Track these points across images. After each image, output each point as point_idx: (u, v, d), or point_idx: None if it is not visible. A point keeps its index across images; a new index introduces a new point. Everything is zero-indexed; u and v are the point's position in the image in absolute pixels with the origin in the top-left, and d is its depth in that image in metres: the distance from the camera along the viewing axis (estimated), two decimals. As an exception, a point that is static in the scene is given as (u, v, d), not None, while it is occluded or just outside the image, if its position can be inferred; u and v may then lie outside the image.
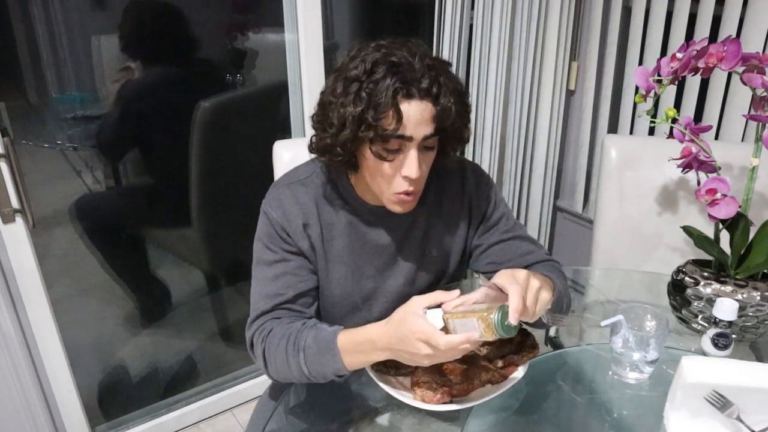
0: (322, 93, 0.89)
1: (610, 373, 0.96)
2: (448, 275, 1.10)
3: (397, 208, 0.92)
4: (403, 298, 1.05)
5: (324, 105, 0.87)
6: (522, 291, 0.74)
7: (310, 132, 0.94)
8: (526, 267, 1.03)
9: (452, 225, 1.05)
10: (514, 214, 2.14)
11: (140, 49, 1.54)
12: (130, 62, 1.54)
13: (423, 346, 0.75)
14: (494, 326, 0.72)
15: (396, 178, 0.87)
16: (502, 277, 0.77)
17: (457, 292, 0.79)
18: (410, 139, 0.83)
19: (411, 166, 0.85)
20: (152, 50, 1.56)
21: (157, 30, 1.56)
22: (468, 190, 1.05)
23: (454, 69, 1.76)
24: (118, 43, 1.49)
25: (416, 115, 0.82)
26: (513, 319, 0.72)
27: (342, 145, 0.85)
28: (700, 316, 1.04)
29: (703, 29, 1.65)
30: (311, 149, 0.93)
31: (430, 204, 1.03)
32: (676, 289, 1.08)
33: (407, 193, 0.89)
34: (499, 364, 0.88)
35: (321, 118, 0.88)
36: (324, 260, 0.99)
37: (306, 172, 1.00)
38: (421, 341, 0.74)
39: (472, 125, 1.89)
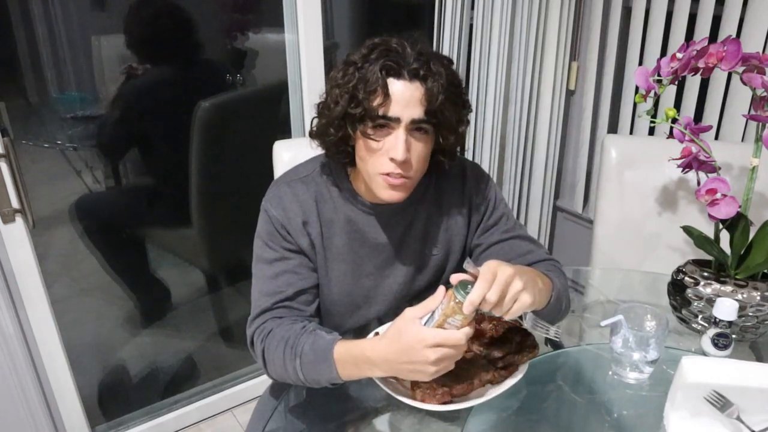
0: (326, 82, 0.93)
1: (610, 373, 0.96)
2: (448, 274, 1.10)
3: (387, 193, 0.91)
4: (402, 297, 1.05)
5: (326, 93, 0.92)
6: (488, 287, 0.73)
7: (315, 110, 0.96)
8: (526, 266, 1.03)
9: (452, 224, 1.05)
10: (514, 214, 2.14)
11: (143, 48, 1.54)
12: (134, 63, 1.54)
13: (431, 351, 0.74)
14: (454, 293, 0.74)
15: (383, 159, 0.88)
16: (484, 267, 0.75)
17: (441, 289, 0.78)
18: (398, 120, 0.85)
19: (397, 147, 0.85)
20: (155, 49, 1.56)
21: (161, 29, 1.56)
22: (468, 189, 1.05)
23: (453, 68, 1.77)
24: (124, 40, 1.49)
25: (404, 95, 0.84)
26: (466, 309, 0.72)
27: (334, 124, 0.88)
28: (700, 316, 1.04)
29: (703, 29, 1.65)
30: (310, 135, 0.96)
31: (429, 203, 1.03)
32: (676, 289, 1.08)
33: (395, 176, 0.88)
34: (499, 364, 0.88)
35: (322, 105, 0.93)
36: (323, 258, 0.99)
37: (306, 170, 1.00)
38: (430, 347, 0.74)
39: (471, 124, 1.90)
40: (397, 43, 0.86)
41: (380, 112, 0.84)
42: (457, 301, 0.74)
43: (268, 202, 0.98)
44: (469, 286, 0.74)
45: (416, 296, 1.08)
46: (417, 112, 0.85)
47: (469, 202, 1.05)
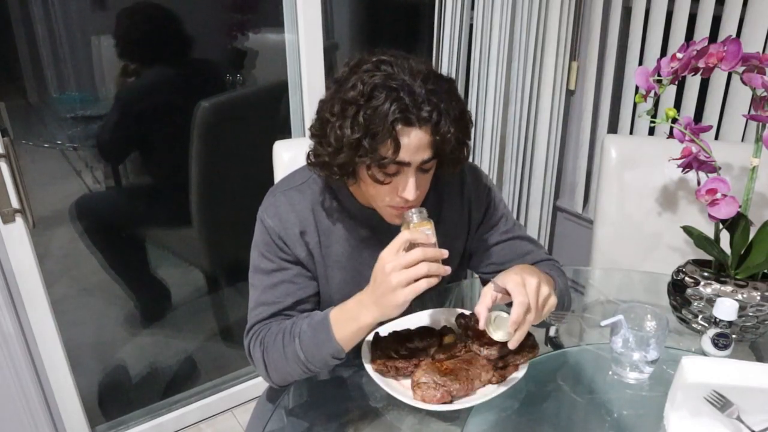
0: (321, 103, 0.87)
1: (610, 373, 0.96)
2: (449, 277, 1.09)
3: (396, 221, 0.92)
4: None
5: (322, 120, 0.85)
6: (526, 301, 0.76)
7: (310, 132, 0.93)
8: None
9: (451, 228, 1.05)
10: (514, 214, 2.14)
11: (138, 53, 1.54)
12: (129, 64, 1.54)
13: (388, 264, 0.76)
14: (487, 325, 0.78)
15: (392, 196, 0.87)
16: (510, 283, 0.77)
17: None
18: (408, 164, 0.82)
19: (409, 189, 0.84)
20: (150, 53, 1.56)
21: (154, 32, 1.56)
22: (467, 192, 1.04)
23: (454, 69, 1.77)
24: (117, 47, 1.49)
25: (414, 142, 0.80)
26: (511, 328, 0.76)
27: (339, 166, 0.85)
28: (700, 316, 1.04)
29: (703, 29, 1.65)
30: (310, 162, 0.91)
31: (429, 207, 1.02)
32: (676, 289, 1.08)
33: (404, 208, 0.88)
34: (499, 364, 0.88)
35: (319, 133, 0.86)
36: (323, 266, 0.98)
37: (302, 177, 0.99)
38: (386, 260, 0.77)
39: (471, 128, 1.90)
40: (401, 80, 0.78)
41: (389, 159, 0.80)
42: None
43: (264, 211, 0.97)
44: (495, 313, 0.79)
45: (417, 300, 1.08)
46: (426, 154, 0.82)
47: (468, 203, 1.05)
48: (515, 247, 1.04)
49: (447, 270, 0.77)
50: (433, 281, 0.76)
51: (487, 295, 0.80)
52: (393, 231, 0.99)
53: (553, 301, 0.80)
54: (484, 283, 1.10)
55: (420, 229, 0.79)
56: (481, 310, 0.79)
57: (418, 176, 0.85)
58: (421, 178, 0.86)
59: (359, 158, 0.81)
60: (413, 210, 0.82)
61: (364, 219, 0.98)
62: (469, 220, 1.06)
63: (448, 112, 0.81)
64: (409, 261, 0.75)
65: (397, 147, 0.79)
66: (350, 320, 0.83)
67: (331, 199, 0.98)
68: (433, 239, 0.79)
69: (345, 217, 0.98)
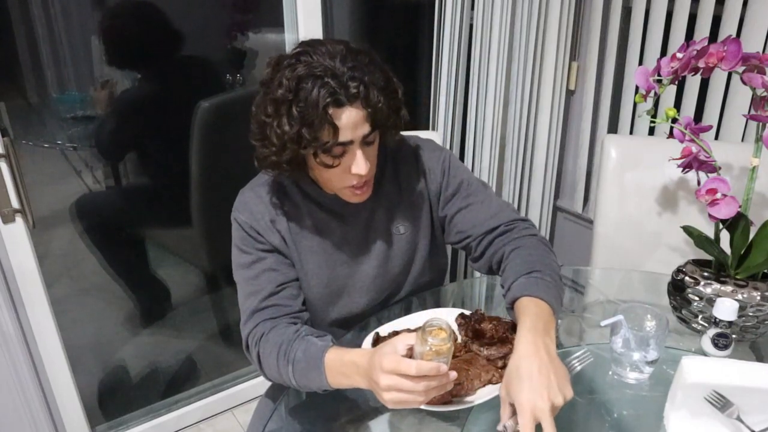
0: (255, 108, 0.90)
1: (610, 373, 0.96)
2: (421, 252, 1.10)
3: (355, 199, 0.96)
4: (381, 283, 1.06)
5: (259, 123, 0.89)
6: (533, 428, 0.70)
7: (251, 138, 0.94)
8: (491, 231, 1.01)
9: (414, 200, 1.06)
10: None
11: (136, 53, 1.54)
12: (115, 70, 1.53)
13: (384, 377, 0.72)
14: None
15: (345, 176, 0.90)
16: (522, 419, 0.71)
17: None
18: (351, 142, 0.86)
19: (359, 164, 0.88)
20: (149, 53, 1.56)
21: (152, 33, 1.55)
22: (422, 164, 1.06)
23: (454, 69, 1.77)
24: (105, 56, 1.48)
25: (350, 120, 0.84)
26: None
27: (287, 162, 0.88)
28: (700, 316, 1.04)
29: (703, 29, 1.65)
30: (260, 165, 0.94)
31: (389, 184, 1.05)
32: (676, 289, 1.08)
33: (360, 186, 0.93)
34: (499, 364, 0.88)
35: (260, 136, 0.90)
36: (296, 252, 1.01)
37: (267, 174, 1.02)
38: (384, 372, 0.72)
39: (471, 124, 1.90)
40: (322, 66, 0.81)
41: (332, 142, 0.84)
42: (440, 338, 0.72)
43: (235, 210, 1.00)
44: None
45: (394, 280, 1.09)
46: (365, 128, 0.86)
47: (424, 175, 1.06)
48: (477, 211, 1.04)
49: (447, 389, 0.76)
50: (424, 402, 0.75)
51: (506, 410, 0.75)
52: (357, 211, 1.02)
53: (569, 396, 0.74)
54: (487, 260, 1.05)
55: (435, 359, 0.72)
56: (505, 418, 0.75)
57: (364, 150, 0.88)
58: (368, 151, 0.90)
59: (303, 150, 0.85)
60: (437, 325, 0.74)
61: (328, 204, 1.01)
62: (428, 192, 1.07)
63: (374, 83, 0.84)
64: (408, 389, 0.72)
65: (336, 129, 0.83)
66: (344, 376, 0.81)
67: (295, 189, 1.01)
68: (445, 369, 0.72)
69: (311, 204, 1.01)
